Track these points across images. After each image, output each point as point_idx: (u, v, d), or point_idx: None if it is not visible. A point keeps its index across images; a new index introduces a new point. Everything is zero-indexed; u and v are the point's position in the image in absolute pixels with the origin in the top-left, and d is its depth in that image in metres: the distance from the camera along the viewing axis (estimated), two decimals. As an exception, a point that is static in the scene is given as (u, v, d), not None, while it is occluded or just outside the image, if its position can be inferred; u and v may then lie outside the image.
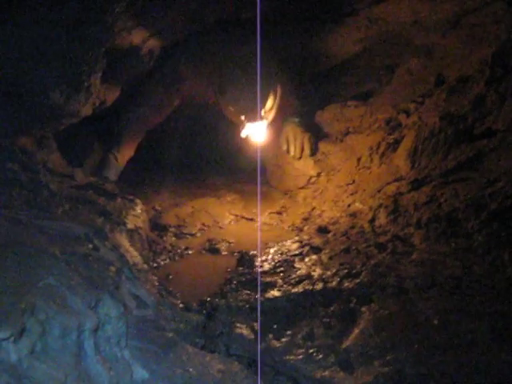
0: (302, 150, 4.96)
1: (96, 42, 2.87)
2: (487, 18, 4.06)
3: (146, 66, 3.94)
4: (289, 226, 4.30)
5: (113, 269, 2.39)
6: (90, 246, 2.45)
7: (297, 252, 3.55)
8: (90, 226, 2.70)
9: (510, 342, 2.34)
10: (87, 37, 2.80)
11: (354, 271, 3.08)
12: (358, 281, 2.95)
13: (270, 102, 4.32)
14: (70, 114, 3.12)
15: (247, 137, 4.47)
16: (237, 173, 5.76)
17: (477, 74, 4.09)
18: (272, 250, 3.66)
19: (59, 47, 2.71)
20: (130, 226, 3.26)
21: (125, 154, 4.49)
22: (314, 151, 4.98)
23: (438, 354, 2.31)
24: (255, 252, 3.62)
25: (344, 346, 2.41)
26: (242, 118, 4.33)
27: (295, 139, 4.94)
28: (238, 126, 4.55)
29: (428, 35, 4.59)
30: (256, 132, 4.40)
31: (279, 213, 4.67)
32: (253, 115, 4.21)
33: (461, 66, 4.35)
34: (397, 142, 4.36)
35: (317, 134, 5.09)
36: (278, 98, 4.43)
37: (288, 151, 5.01)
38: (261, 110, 4.22)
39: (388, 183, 4.16)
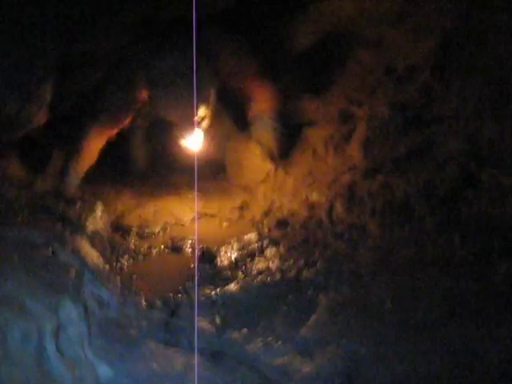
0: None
1: (47, 51, 2.91)
2: (432, 8, 4.15)
3: (101, 73, 3.97)
4: (249, 221, 4.37)
5: (73, 272, 2.44)
6: (50, 251, 2.50)
7: (256, 245, 3.62)
8: (49, 231, 2.75)
9: (460, 318, 2.46)
10: (38, 45, 2.83)
11: (311, 260, 3.17)
12: (314, 270, 3.05)
13: (202, 111, 4.23)
14: (24, 122, 3.15)
15: (183, 146, 4.49)
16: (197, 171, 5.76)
17: (423, 63, 4.20)
18: (233, 245, 3.73)
19: (11, 56, 2.74)
20: (90, 229, 3.31)
21: (85, 159, 4.47)
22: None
23: (391, 335, 2.42)
24: (216, 248, 3.68)
25: (302, 333, 2.51)
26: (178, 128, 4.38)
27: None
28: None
29: (376, 27, 4.66)
30: (191, 141, 4.38)
31: (240, 208, 4.72)
32: (185, 124, 4.24)
33: (408, 55, 4.43)
34: (350, 133, 4.46)
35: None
36: (211, 104, 4.36)
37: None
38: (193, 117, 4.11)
39: (343, 173, 4.25)
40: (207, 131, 4.48)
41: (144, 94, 4.30)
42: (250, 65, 4.46)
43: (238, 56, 4.39)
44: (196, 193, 4.24)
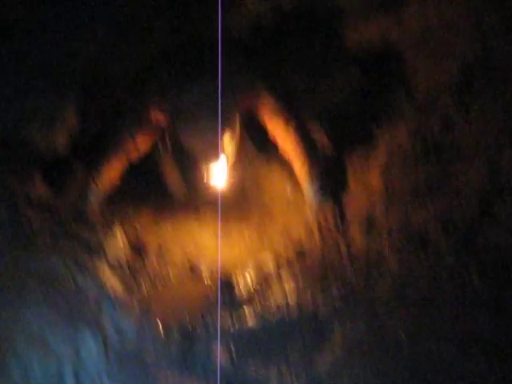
0: None
1: (71, 78, 3.00)
2: (454, 35, 4.16)
3: (120, 98, 4.06)
4: (267, 247, 4.38)
5: (93, 301, 2.49)
6: (71, 281, 2.55)
7: (274, 275, 3.65)
8: (71, 260, 2.80)
9: (474, 359, 2.48)
10: (63, 71, 2.93)
11: (328, 293, 3.20)
12: (331, 303, 3.07)
13: (227, 139, 4.03)
14: (49, 146, 3.24)
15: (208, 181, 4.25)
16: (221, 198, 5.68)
17: (444, 90, 4.22)
18: (251, 273, 3.76)
19: (35, 85, 2.83)
20: (110, 255, 3.36)
21: (105, 179, 4.52)
22: None
23: (405, 371, 2.45)
24: (234, 275, 3.71)
25: (316, 367, 2.54)
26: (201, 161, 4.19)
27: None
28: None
29: (399, 50, 4.69)
30: (216, 175, 4.15)
31: (259, 233, 4.73)
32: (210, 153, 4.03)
33: (429, 82, 4.45)
34: (370, 161, 4.48)
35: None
36: (237, 130, 4.17)
37: None
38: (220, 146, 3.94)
39: (362, 201, 4.26)
40: (231, 157, 4.35)
41: (163, 120, 4.28)
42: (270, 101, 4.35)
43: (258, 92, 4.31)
44: (219, 219, 4.21)
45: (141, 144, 4.44)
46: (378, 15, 4.20)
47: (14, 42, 2.81)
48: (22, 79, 2.88)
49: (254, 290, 3.50)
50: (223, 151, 4.01)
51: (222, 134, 3.92)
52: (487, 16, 3.71)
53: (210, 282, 3.79)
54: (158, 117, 4.22)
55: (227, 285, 3.63)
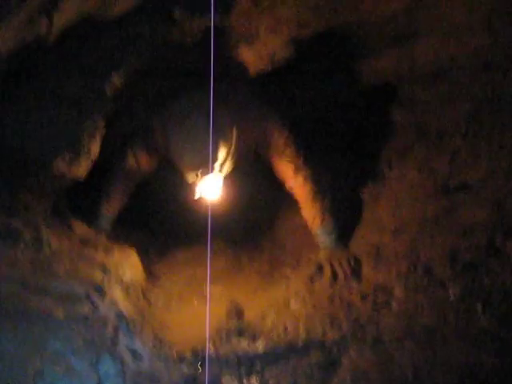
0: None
1: (95, 113, 3.13)
2: (465, 75, 4.26)
3: (128, 129, 4.18)
4: (277, 274, 4.47)
5: (111, 327, 2.60)
6: (90, 305, 2.65)
7: (283, 301, 3.74)
8: (89, 283, 2.90)
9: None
10: (87, 108, 3.07)
11: (336, 322, 3.28)
12: (339, 331, 3.17)
13: (222, 153, 3.78)
14: (71, 177, 3.37)
15: (200, 198, 3.93)
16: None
17: (454, 128, 4.33)
18: (261, 299, 3.85)
19: (62, 119, 2.98)
20: (126, 279, 3.46)
21: (114, 204, 4.61)
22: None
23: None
24: (245, 301, 3.80)
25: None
26: (192, 175, 3.86)
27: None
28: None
29: (410, 88, 4.79)
30: (209, 189, 3.86)
31: (268, 261, 4.81)
32: (203, 169, 3.71)
33: (439, 120, 4.55)
34: (379, 193, 4.59)
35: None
36: (233, 145, 3.90)
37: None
38: (213, 162, 3.69)
39: (372, 232, 4.36)
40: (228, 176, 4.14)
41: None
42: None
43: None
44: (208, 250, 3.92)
45: (144, 166, 4.45)
46: (391, 51, 4.28)
47: (42, 74, 2.95)
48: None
49: (264, 315, 3.56)
50: (216, 163, 3.77)
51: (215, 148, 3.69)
52: (496, 56, 3.79)
53: (219, 304, 3.86)
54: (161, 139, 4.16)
55: (235, 309, 3.71)
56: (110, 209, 4.55)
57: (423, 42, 3.89)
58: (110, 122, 3.69)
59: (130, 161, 4.38)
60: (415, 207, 4.18)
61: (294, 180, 4.34)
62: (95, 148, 3.40)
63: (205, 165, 3.68)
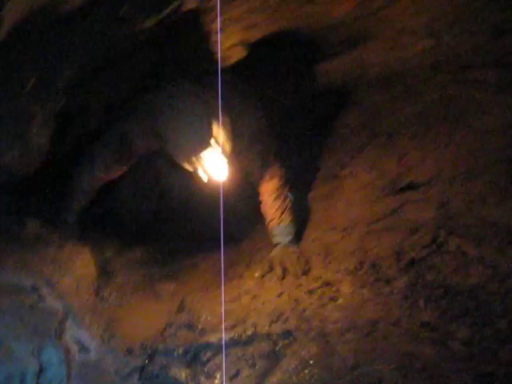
0: None
1: (46, 108, 3.16)
2: (414, 78, 4.39)
3: (92, 126, 4.18)
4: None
5: (57, 317, 2.63)
6: (36, 296, 2.68)
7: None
8: (37, 276, 2.93)
9: (413, 379, 2.66)
10: (37, 103, 3.09)
11: (282, 317, 3.36)
12: (285, 326, 3.25)
13: (216, 130, 3.66)
14: (22, 169, 3.37)
15: (209, 179, 3.79)
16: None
17: (402, 129, 4.47)
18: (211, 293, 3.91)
19: (11, 114, 2.99)
20: (77, 274, 3.48)
21: (78, 201, 4.59)
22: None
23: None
24: (196, 297, 3.85)
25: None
26: (194, 159, 3.70)
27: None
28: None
29: (362, 90, 4.92)
30: (215, 168, 3.71)
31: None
32: (202, 145, 3.61)
33: (390, 121, 4.68)
34: (331, 192, 4.69)
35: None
36: (227, 125, 3.80)
37: None
38: (209, 137, 3.60)
39: (323, 231, 4.46)
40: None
41: (140, 150, 4.17)
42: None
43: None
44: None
45: (112, 170, 4.39)
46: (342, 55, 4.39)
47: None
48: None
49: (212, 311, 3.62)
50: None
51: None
52: (441, 58, 3.91)
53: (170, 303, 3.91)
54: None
55: (186, 304, 3.76)
56: (78, 204, 4.50)
57: (372, 46, 4.01)
58: (66, 119, 3.71)
59: (100, 168, 4.30)
60: (365, 206, 4.29)
61: (261, 175, 4.32)
62: (45, 143, 3.41)
63: (202, 146, 3.62)
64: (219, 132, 3.72)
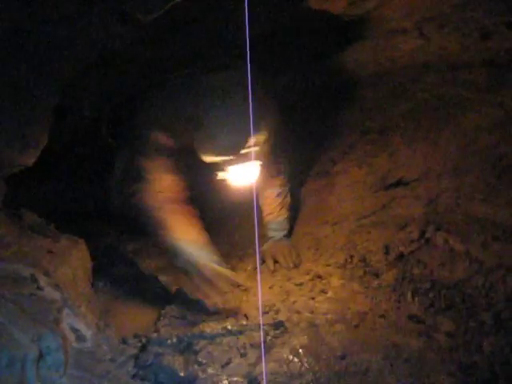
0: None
1: (45, 104, 3.21)
2: (406, 77, 4.46)
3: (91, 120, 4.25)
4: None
5: (54, 306, 2.71)
6: (35, 286, 2.76)
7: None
8: (35, 266, 3.00)
9: (399, 369, 2.75)
10: (36, 97, 3.14)
11: (274, 308, 3.46)
12: (276, 317, 3.34)
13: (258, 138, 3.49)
14: (19, 164, 3.42)
15: (225, 180, 3.65)
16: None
17: (393, 127, 4.56)
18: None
19: (9, 108, 3.04)
20: (73, 265, 3.54)
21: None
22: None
23: (336, 380, 2.71)
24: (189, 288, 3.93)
25: (257, 372, 2.79)
26: (222, 158, 3.51)
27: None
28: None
29: (356, 88, 4.99)
30: (242, 174, 3.57)
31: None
32: (238, 155, 3.46)
33: (382, 119, 4.76)
34: (323, 188, 4.79)
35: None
36: (272, 135, 3.67)
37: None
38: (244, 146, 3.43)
39: (314, 225, 4.56)
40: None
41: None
42: None
43: None
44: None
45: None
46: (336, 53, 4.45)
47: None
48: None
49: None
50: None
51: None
52: (430, 57, 3.98)
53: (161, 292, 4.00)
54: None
55: (181, 295, 3.85)
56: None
57: (365, 45, 4.07)
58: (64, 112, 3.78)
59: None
60: (355, 202, 4.39)
61: (268, 169, 4.15)
62: (43, 137, 3.45)
63: (237, 149, 3.44)
64: (263, 130, 3.57)
